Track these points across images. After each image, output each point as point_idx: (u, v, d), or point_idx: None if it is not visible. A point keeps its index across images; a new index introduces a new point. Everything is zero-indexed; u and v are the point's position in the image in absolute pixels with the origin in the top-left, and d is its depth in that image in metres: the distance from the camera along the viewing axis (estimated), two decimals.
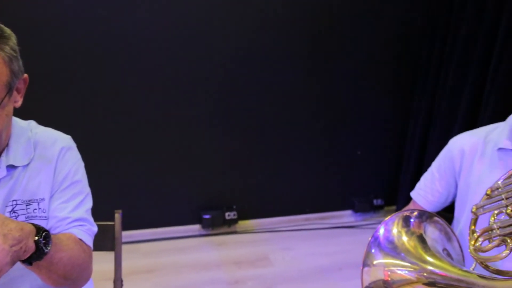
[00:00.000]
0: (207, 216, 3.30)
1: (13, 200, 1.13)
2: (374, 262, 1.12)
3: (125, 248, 3.15)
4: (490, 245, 1.01)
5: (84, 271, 1.14)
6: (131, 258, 2.97)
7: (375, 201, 3.66)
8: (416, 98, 3.46)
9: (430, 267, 1.04)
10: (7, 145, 1.15)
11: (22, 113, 1.23)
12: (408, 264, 1.07)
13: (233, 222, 3.36)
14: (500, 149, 1.27)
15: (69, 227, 1.15)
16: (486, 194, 1.11)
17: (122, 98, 3.06)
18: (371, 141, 3.62)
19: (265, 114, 3.34)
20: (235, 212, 3.35)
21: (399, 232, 1.16)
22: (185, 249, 3.16)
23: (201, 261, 3.00)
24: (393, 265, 1.09)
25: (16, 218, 1.13)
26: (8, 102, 1.07)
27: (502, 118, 1.34)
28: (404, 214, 1.19)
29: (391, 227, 1.17)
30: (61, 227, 1.15)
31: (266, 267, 2.94)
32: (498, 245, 1.00)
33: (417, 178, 1.51)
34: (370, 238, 1.15)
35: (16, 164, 1.14)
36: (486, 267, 1.03)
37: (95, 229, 1.22)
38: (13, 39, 1.07)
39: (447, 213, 1.42)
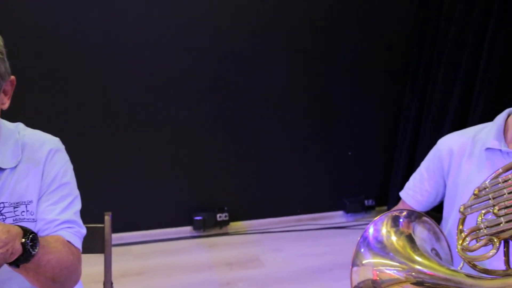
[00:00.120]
0: (198, 218, 3.30)
1: (0, 203, 1.12)
2: (363, 262, 1.13)
3: (116, 250, 3.14)
4: (477, 244, 1.02)
5: (72, 274, 1.13)
6: (122, 260, 2.96)
7: (366, 202, 3.68)
8: (406, 100, 3.48)
9: (418, 267, 1.05)
10: None
11: (10, 115, 1.22)
12: (397, 264, 1.08)
13: (224, 223, 3.36)
14: (488, 149, 1.28)
15: (58, 229, 1.14)
16: (474, 194, 1.11)
17: (112, 100, 3.05)
18: (362, 142, 3.63)
19: (256, 115, 3.35)
20: (226, 214, 3.34)
21: (388, 232, 1.16)
22: (177, 251, 3.15)
23: (193, 262, 2.99)
24: (382, 265, 1.10)
25: (3, 220, 1.11)
26: None
27: (491, 119, 1.35)
28: (393, 214, 1.20)
29: (380, 227, 1.17)
30: (49, 229, 1.14)
31: (257, 268, 2.94)
32: (485, 245, 1.01)
33: (407, 179, 1.51)
34: (359, 238, 1.15)
35: (3, 167, 1.13)
36: (474, 266, 1.03)
37: (84, 231, 1.21)
38: None
39: (436, 213, 1.43)
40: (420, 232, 1.18)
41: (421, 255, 1.08)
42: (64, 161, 1.22)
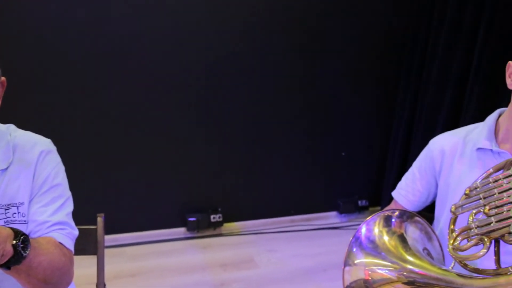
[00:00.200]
0: (192, 219, 3.29)
1: None
2: (355, 262, 1.13)
3: (110, 252, 3.14)
4: (468, 244, 1.03)
5: (64, 275, 1.13)
6: (116, 262, 2.95)
7: (359, 202, 3.69)
8: (399, 100, 3.50)
9: (410, 266, 1.05)
10: None
11: (1, 116, 1.22)
12: (389, 264, 1.08)
13: (218, 224, 3.36)
14: (479, 149, 1.29)
15: (49, 231, 1.14)
16: (465, 194, 1.12)
17: (105, 101, 3.04)
18: (355, 143, 3.64)
19: (249, 116, 3.35)
20: (220, 215, 3.34)
21: (380, 231, 1.17)
22: (170, 252, 3.14)
23: (187, 264, 2.99)
24: (374, 265, 1.10)
25: None
26: None
27: (483, 119, 1.36)
28: (386, 214, 1.20)
29: (373, 227, 1.18)
30: (41, 231, 1.14)
31: (251, 269, 2.94)
32: (476, 244, 1.01)
33: (400, 179, 1.52)
34: (351, 238, 1.15)
35: None
36: (465, 266, 1.04)
37: (76, 232, 1.21)
38: None
39: (428, 212, 1.44)
40: (412, 232, 1.18)
41: (413, 254, 1.09)
42: (55, 162, 1.22)
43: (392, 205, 1.50)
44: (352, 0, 3.37)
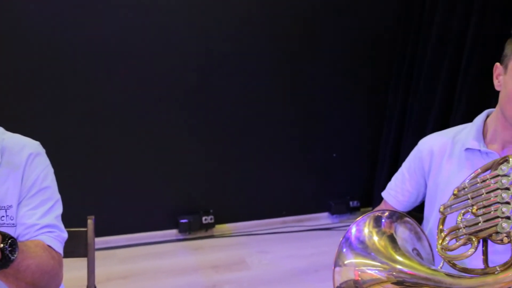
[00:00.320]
0: (184, 221, 3.29)
1: None
2: (345, 262, 1.13)
3: (101, 254, 3.12)
4: (456, 243, 1.03)
5: (53, 278, 1.12)
6: (107, 264, 2.94)
7: (351, 203, 3.70)
8: (390, 102, 3.51)
9: (399, 266, 1.06)
10: None
11: None
12: (378, 264, 1.09)
13: (210, 226, 3.36)
14: (467, 149, 1.29)
15: (38, 234, 1.13)
16: (453, 194, 1.13)
17: (95, 103, 3.02)
18: (346, 144, 3.65)
19: (240, 118, 3.35)
20: (212, 216, 3.34)
21: (370, 232, 1.17)
22: (162, 254, 3.14)
23: (178, 265, 2.98)
24: (364, 265, 1.10)
25: None
26: None
27: (472, 120, 1.37)
28: (375, 215, 1.21)
29: (362, 227, 1.18)
30: (30, 234, 1.13)
31: (243, 271, 2.94)
32: (464, 244, 1.02)
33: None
34: (341, 238, 1.16)
35: None
36: (453, 266, 1.05)
37: (65, 235, 1.20)
38: None
39: (418, 213, 1.44)
40: (402, 232, 1.19)
41: (402, 255, 1.09)
42: (44, 165, 1.21)
43: (381, 205, 1.50)
44: (343, 3, 3.38)
